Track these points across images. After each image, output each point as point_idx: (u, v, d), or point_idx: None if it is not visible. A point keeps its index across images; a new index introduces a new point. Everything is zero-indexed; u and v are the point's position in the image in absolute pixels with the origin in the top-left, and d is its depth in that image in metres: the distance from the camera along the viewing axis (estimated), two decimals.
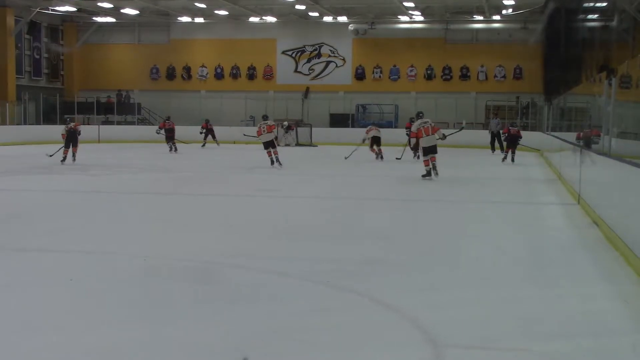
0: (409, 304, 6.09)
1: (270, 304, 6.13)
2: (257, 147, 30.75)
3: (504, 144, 24.06)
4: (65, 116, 28.95)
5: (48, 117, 35.58)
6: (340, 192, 15.33)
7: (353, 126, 35.15)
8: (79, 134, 20.88)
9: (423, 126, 16.78)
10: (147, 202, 13.41)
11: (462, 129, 19.22)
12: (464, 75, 37.31)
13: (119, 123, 37.33)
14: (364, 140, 23.11)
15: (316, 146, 31.95)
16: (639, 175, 7.62)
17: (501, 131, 26.42)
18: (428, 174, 16.72)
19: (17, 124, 33.94)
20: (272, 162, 19.99)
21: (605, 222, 9.36)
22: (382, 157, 22.95)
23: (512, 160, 22.53)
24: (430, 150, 16.65)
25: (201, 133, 30.82)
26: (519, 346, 5.25)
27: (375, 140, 23.17)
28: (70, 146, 20.56)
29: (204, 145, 30.89)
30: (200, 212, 11.94)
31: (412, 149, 21.78)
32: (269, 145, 20.04)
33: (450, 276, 7.27)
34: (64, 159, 20.44)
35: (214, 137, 31.03)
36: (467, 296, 6.51)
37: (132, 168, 20.39)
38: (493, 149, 28.73)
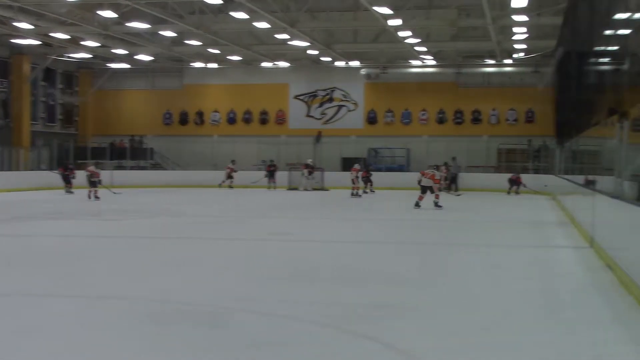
0: (422, 349, 6.03)
1: (280, 348, 6.07)
2: (269, 192, 30.95)
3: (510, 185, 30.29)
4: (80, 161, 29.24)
5: (61, 162, 35.72)
6: (351, 235, 15.30)
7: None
8: (74, 178, 26.55)
9: (429, 171, 21.37)
10: (158, 246, 13.38)
11: (459, 195, 24.58)
12: (476, 119, 37.36)
13: (132, 168, 37.49)
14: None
15: (328, 190, 31.96)
16: None
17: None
18: (417, 205, 21.10)
19: (31, 170, 34.17)
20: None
21: (619, 266, 9.28)
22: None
23: (517, 192, 29.84)
24: (425, 190, 21.10)
25: (265, 176, 33.55)
26: None
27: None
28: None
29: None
30: (211, 255, 11.91)
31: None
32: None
33: (464, 321, 7.19)
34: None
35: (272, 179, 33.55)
36: (482, 341, 6.42)
37: (145, 213, 20.42)
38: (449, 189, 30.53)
